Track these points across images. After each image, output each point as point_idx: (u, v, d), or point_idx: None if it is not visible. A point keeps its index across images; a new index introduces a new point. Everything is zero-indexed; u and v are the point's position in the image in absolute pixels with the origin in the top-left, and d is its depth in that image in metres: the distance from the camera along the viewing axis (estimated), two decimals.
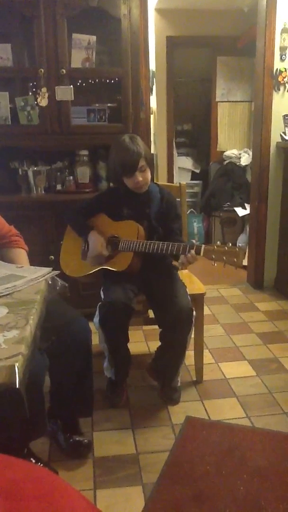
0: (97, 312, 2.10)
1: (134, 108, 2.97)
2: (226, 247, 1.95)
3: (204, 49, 5.46)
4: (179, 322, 2.09)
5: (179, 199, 2.54)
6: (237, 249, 1.94)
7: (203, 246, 1.98)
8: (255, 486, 1.70)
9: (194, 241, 2.05)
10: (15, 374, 0.96)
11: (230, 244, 1.97)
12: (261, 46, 3.52)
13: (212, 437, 1.98)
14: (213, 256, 1.95)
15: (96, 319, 2.11)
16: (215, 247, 1.96)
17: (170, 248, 2.04)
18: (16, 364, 0.98)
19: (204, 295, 2.38)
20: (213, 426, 2.08)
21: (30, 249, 1.99)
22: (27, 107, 2.95)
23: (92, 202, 2.38)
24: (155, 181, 2.35)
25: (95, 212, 2.31)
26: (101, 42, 3.00)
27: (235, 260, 1.93)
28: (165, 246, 2.05)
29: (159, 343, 2.25)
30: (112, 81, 3.07)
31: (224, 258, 1.93)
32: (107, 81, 3.10)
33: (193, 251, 1.98)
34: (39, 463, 1.75)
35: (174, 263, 2.21)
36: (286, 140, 3.54)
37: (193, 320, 2.13)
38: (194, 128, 6.65)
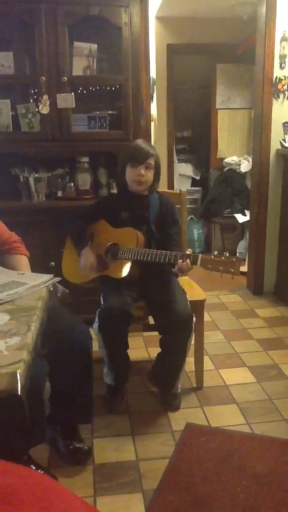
0: (96, 318, 2.11)
1: (135, 115, 2.99)
2: (223, 257, 1.95)
3: (204, 56, 5.49)
4: (179, 328, 2.09)
5: (179, 206, 2.56)
6: (234, 259, 1.95)
7: (200, 256, 1.99)
8: (254, 493, 1.70)
9: (189, 250, 2.06)
10: (17, 380, 0.97)
11: (228, 254, 1.98)
12: (260, 54, 3.54)
13: (212, 444, 1.99)
14: (210, 266, 1.96)
15: (96, 325, 2.12)
16: (212, 257, 1.97)
17: (167, 257, 2.05)
18: (18, 371, 0.98)
19: (204, 301, 2.39)
20: (213, 433, 2.08)
21: (31, 255, 2.00)
22: (28, 114, 2.97)
23: (91, 209, 2.39)
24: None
25: (94, 218, 2.32)
26: (102, 50, 3.03)
27: (232, 270, 1.94)
28: (162, 255, 2.06)
29: (159, 349, 2.26)
30: (113, 89, 3.09)
31: (221, 268, 1.94)
32: (108, 88, 3.12)
33: (188, 261, 1.99)
34: (39, 470, 1.74)
35: (173, 270, 2.22)
36: (285, 147, 3.56)
37: (193, 326, 2.14)
38: (194, 135, 6.67)
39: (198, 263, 1.98)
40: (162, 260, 2.07)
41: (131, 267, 2.16)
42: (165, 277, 2.28)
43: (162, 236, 2.27)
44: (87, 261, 2.21)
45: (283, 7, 3.39)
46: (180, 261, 2.00)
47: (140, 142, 2.29)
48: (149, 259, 2.09)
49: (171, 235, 2.28)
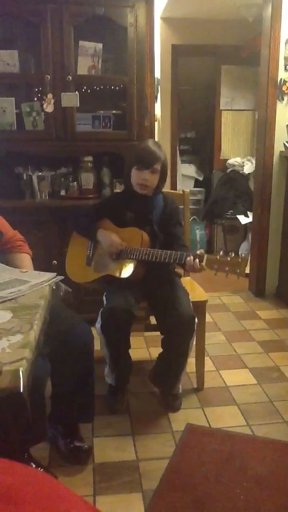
0: (99, 318, 2.11)
1: (139, 115, 2.99)
2: (228, 258, 1.96)
3: (209, 57, 5.49)
4: (181, 329, 2.09)
5: (182, 206, 2.56)
6: (239, 259, 1.95)
7: (205, 256, 1.99)
8: (255, 494, 1.70)
9: (201, 251, 2.05)
10: (19, 378, 0.97)
11: (233, 254, 1.98)
12: (265, 56, 3.54)
13: (212, 445, 1.98)
14: (215, 266, 1.96)
15: (98, 325, 2.12)
16: (218, 257, 1.97)
17: (173, 257, 2.05)
18: (21, 369, 0.98)
19: (206, 302, 2.39)
20: (213, 434, 2.08)
21: (33, 254, 2.00)
22: (32, 113, 2.98)
23: (95, 208, 2.39)
24: None
25: (99, 217, 2.32)
26: (107, 50, 3.03)
27: (238, 270, 1.94)
28: (167, 255, 2.06)
29: (161, 350, 2.26)
30: (117, 88, 3.09)
31: (227, 268, 1.94)
32: (113, 88, 3.12)
33: (197, 261, 1.98)
34: (39, 468, 1.75)
35: (177, 270, 2.21)
36: None
37: (195, 327, 2.14)
38: (197, 136, 6.68)
39: (204, 262, 1.98)
40: (168, 260, 2.06)
41: (135, 267, 2.16)
42: (168, 277, 2.28)
43: (167, 236, 2.27)
44: (110, 236, 2.19)
45: None
46: (191, 258, 2.00)
47: (150, 144, 2.23)
48: (155, 259, 2.08)
49: (176, 235, 2.27)
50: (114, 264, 2.21)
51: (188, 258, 2.00)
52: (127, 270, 2.17)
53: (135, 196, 2.25)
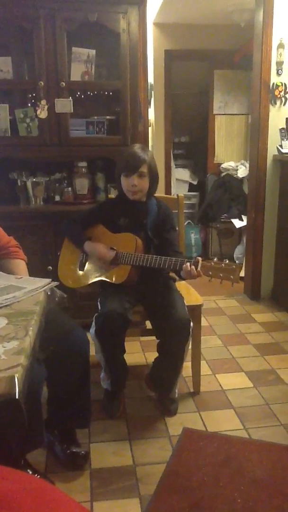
0: (93, 323, 2.11)
1: (133, 120, 3.00)
2: (223, 264, 1.96)
3: (202, 62, 5.52)
4: (177, 333, 2.10)
5: (176, 211, 2.57)
6: (234, 266, 1.96)
7: (200, 262, 1.99)
8: (252, 497, 1.70)
9: (198, 258, 2.05)
10: (15, 385, 0.97)
11: (227, 261, 1.99)
12: (258, 60, 3.57)
13: (209, 449, 1.98)
14: (210, 273, 1.97)
15: (93, 330, 2.12)
16: (213, 263, 1.98)
17: (167, 262, 2.06)
18: (16, 375, 0.98)
19: (201, 306, 2.39)
20: (210, 438, 2.08)
21: (28, 259, 2.00)
22: (26, 119, 2.98)
23: (89, 213, 2.40)
24: None
25: (92, 222, 2.32)
26: (100, 56, 3.04)
27: (232, 277, 1.94)
28: (162, 261, 2.07)
29: (156, 354, 2.26)
30: (111, 94, 3.11)
31: (221, 275, 1.95)
32: (106, 93, 3.13)
33: (193, 267, 1.99)
34: (36, 475, 1.74)
35: (171, 274, 2.22)
36: (282, 152, 3.58)
37: (191, 331, 2.14)
38: (191, 140, 6.70)
39: (199, 269, 1.99)
40: (162, 266, 2.07)
41: (129, 272, 2.16)
42: (163, 282, 2.28)
43: (161, 242, 2.27)
44: (99, 248, 2.21)
45: (280, 14, 3.42)
46: (187, 265, 2.00)
47: (135, 148, 2.23)
48: (149, 264, 2.09)
49: (170, 241, 2.28)
50: (108, 269, 2.21)
51: (184, 265, 2.00)
52: (122, 275, 2.17)
53: (129, 202, 2.25)
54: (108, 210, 2.36)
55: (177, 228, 2.45)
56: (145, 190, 2.23)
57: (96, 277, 2.24)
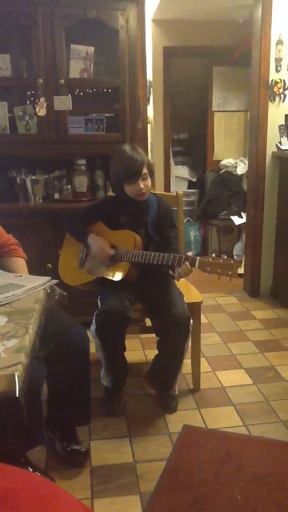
0: (93, 321, 2.11)
1: (132, 117, 3.00)
2: (221, 260, 1.96)
3: (201, 59, 5.50)
4: (176, 331, 2.10)
5: (175, 208, 2.56)
6: (231, 261, 1.95)
7: (198, 258, 1.99)
8: (252, 494, 1.70)
9: (190, 253, 2.06)
10: (15, 383, 0.97)
11: (225, 256, 1.99)
12: (256, 57, 3.56)
13: (209, 445, 1.99)
14: (208, 269, 1.97)
15: (93, 327, 2.12)
16: (210, 259, 1.98)
17: (166, 259, 2.06)
18: (16, 373, 0.98)
19: (201, 303, 2.39)
20: (210, 435, 2.09)
21: (28, 257, 2.00)
22: (25, 116, 2.98)
23: (89, 210, 2.39)
24: (152, 191, 2.37)
25: (92, 220, 2.32)
26: (99, 53, 3.04)
27: (230, 273, 1.94)
28: (160, 257, 2.07)
29: (156, 351, 2.26)
30: (110, 91, 3.10)
31: (219, 270, 1.95)
32: (105, 91, 3.13)
33: (187, 263, 1.99)
34: (36, 472, 1.74)
35: (171, 272, 2.22)
36: (281, 149, 3.58)
37: (190, 328, 2.14)
38: (190, 137, 6.68)
39: (196, 265, 1.99)
40: (160, 263, 2.07)
41: (129, 269, 2.16)
42: (163, 279, 2.28)
43: (161, 239, 2.27)
44: (100, 243, 2.20)
45: (278, 11, 3.42)
46: (179, 268, 2.00)
47: (129, 152, 2.17)
48: (147, 261, 2.09)
49: (169, 238, 2.28)
50: (107, 267, 2.21)
51: (179, 268, 2.01)
52: (121, 272, 2.17)
53: (128, 200, 2.25)
54: (108, 207, 2.35)
55: (177, 226, 2.45)
56: (150, 187, 2.24)
57: (96, 274, 2.24)
